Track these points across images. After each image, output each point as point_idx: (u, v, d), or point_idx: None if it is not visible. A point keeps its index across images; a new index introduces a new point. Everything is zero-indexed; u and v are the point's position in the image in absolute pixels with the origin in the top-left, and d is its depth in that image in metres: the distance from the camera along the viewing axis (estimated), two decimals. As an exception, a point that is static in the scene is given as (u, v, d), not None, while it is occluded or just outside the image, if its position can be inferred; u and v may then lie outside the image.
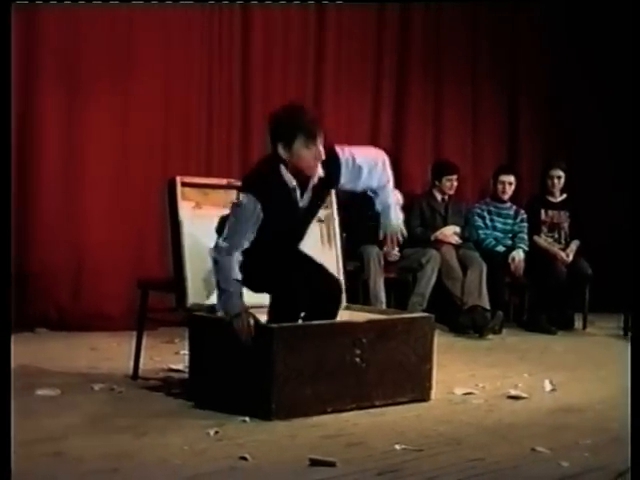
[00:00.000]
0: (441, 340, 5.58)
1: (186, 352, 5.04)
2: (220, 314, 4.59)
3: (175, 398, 4.77)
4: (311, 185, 4.61)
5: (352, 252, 7.13)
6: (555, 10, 9.62)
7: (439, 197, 8.36)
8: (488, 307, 7.70)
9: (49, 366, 5.53)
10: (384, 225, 5.01)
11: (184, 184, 5.05)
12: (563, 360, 6.50)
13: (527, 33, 9.58)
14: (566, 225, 8.52)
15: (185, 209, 5.03)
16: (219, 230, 4.65)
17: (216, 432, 4.07)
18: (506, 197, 8.45)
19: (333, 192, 5.48)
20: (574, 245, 8.37)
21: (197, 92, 7.56)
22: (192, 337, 4.75)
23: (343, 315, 5.20)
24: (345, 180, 4.74)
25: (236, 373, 4.48)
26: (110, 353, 5.99)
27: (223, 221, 4.65)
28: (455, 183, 8.34)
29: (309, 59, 8.21)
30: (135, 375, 5.27)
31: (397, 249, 7.80)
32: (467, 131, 9.27)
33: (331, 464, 3.62)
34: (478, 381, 5.49)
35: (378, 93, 8.66)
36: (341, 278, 5.40)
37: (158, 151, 7.29)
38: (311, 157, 4.49)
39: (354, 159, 4.72)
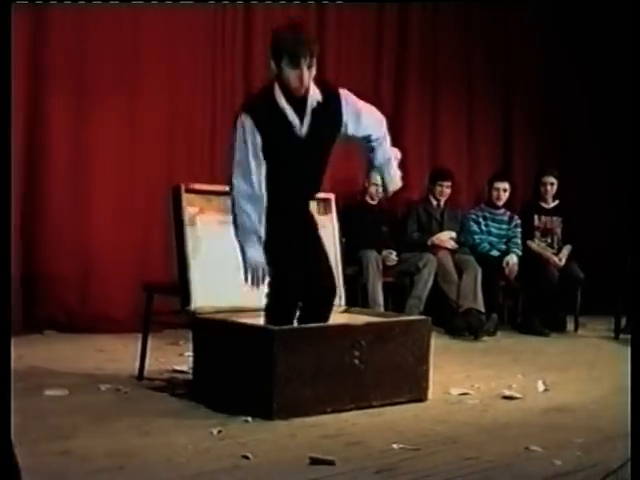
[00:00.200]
0: (437, 342, 5.57)
1: (190, 354, 5.04)
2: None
3: (179, 398, 4.77)
4: (309, 109, 4.49)
5: (351, 257, 7.13)
6: (548, 18, 9.63)
7: (435, 203, 8.37)
8: (483, 310, 7.70)
9: (57, 367, 5.53)
10: (387, 181, 4.92)
11: (188, 190, 5.05)
12: (556, 361, 6.50)
13: (520, 44, 9.59)
14: (558, 230, 8.53)
15: (189, 215, 5.03)
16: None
17: (219, 431, 4.07)
18: (500, 203, 8.45)
19: (333, 200, 5.50)
20: (566, 250, 8.38)
21: (201, 92, 7.54)
22: (196, 339, 4.75)
23: (342, 318, 5.21)
24: (346, 117, 4.62)
25: (238, 374, 4.48)
26: (116, 355, 5.99)
27: None
28: (447, 190, 8.34)
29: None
30: (140, 376, 5.27)
31: (394, 254, 7.84)
32: (463, 140, 9.28)
33: (330, 463, 3.62)
34: (473, 382, 5.48)
35: (376, 97, 8.63)
36: (340, 282, 5.41)
37: (163, 157, 7.28)
38: (295, 77, 4.39)
39: (355, 101, 4.67)
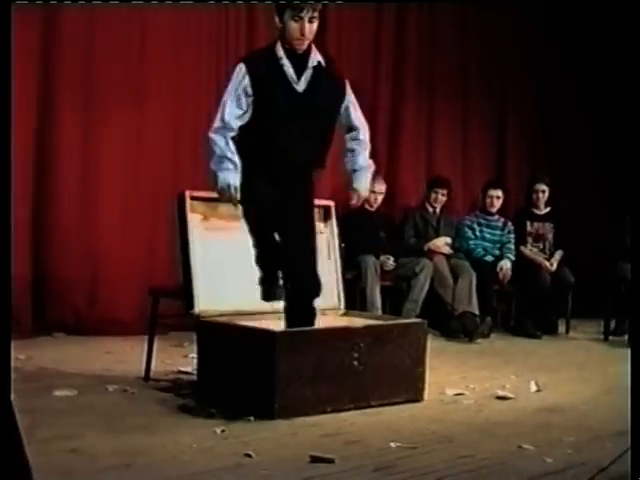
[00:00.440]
0: (433, 344, 5.58)
1: (194, 355, 5.04)
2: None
3: (184, 398, 4.76)
4: (310, 65, 4.46)
5: (350, 262, 7.12)
6: (542, 26, 9.63)
7: (431, 209, 8.38)
8: (477, 313, 7.70)
9: (66, 368, 5.52)
10: (360, 187, 4.83)
11: (193, 198, 5.05)
12: (548, 363, 6.49)
13: (514, 52, 9.58)
14: (550, 236, 8.53)
15: (194, 221, 5.02)
16: None
17: (222, 431, 4.07)
18: (494, 210, 8.47)
19: (333, 207, 5.50)
20: (558, 255, 8.38)
21: (206, 94, 7.48)
22: (200, 341, 4.76)
23: (342, 321, 5.22)
24: (347, 102, 4.63)
25: (241, 375, 4.48)
26: (123, 356, 5.99)
27: None
28: (442, 197, 8.34)
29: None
30: (147, 377, 5.27)
31: (392, 259, 7.84)
32: (458, 148, 9.28)
33: (330, 461, 3.62)
34: (468, 382, 5.48)
35: (374, 105, 8.66)
36: (340, 286, 5.42)
37: (169, 164, 7.27)
38: (297, 29, 4.36)
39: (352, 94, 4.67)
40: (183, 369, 5.52)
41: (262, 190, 4.45)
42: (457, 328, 7.61)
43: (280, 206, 4.52)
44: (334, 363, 4.54)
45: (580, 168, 9.67)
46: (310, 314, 4.68)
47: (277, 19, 4.43)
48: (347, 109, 4.67)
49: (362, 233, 7.69)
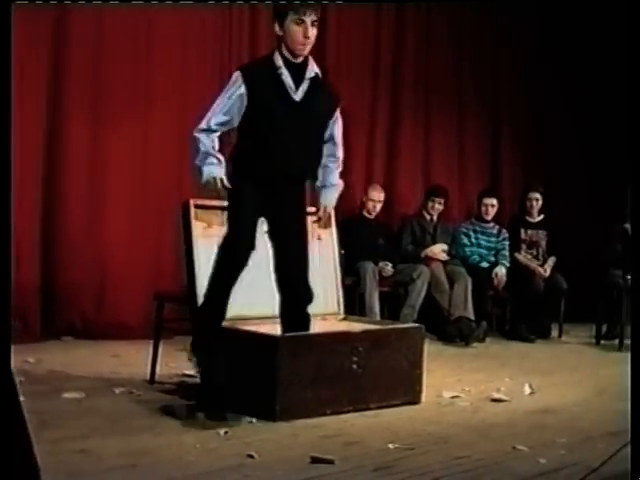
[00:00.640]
0: (430, 348, 5.57)
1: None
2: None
3: (188, 401, 4.76)
4: (307, 76, 4.42)
5: (349, 268, 7.11)
6: (535, 37, 9.63)
7: (428, 217, 8.38)
8: (473, 318, 7.69)
9: (74, 371, 5.52)
10: (329, 202, 4.76)
11: (197, 206, 5.05)
12: (541, 366, 6.49)
13: (507, 64, 9.58)
14: (543, 243, 8.53)
15: (198, 229, 5.02)
16: None
17: (225, 432, 4.07)
18: (489, 218, 8.47)
19: (332, 215, 5.50)
20: (551, 261, 8.38)
21: (211, 96, 7.48)
22: (204, 345, 4.75)
23: (341, 325, 5.21)
24: (336, 116, 4.60)
25: (243, 378, 4.48)
26: (130, 359, 5.98)
27: None
28: (439, 205, 8.34)
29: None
30: (152, 380, 5.26)
31: (390, 265, 7.84)
32: (454, 158, 9.28)
33: (330, 461, 3.62)
34: (464, 385, 5.48)
35: (372, 117, 8.67)
36: (340, 292, 5.41)
37: (174, 173, 7.23)
38: (300, 33, 4.31)
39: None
40: (187, 372, 5.51)
41: (251, 197, 4.40)
42: (453, 332, 7.60)
43: (273, 214, 4.50)
44: (334, 366, 4.54)
45: (573, 177, 9.67)
46: (305, 320, 4.63)
47: (277, 26, 4.38)
48: (333, 124, 4.63)
49: (361, 240, 7.69)
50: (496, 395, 5.19)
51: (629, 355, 6.93)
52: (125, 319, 6.94)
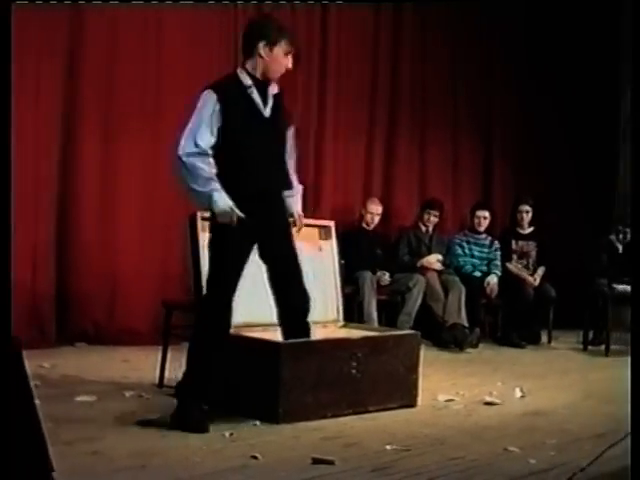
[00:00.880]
0: (426, 354, 5.56)
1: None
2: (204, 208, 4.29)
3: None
4: (270, 94, 4.36)
5: (349, 277, 7.11)
6: (528, 57, 9.64)
7: (424, 229, 8.38)
8: (467, 325, 7.68)
9: (87, 376, 5.51)
10: (298, 211, 4.63)
11: (204, 218, 5.04)
12: (531, 370, 6.48)
13: (501, 85, 9.59)
14: (533, 254, 8.53)
15: (204, 240, 5.02)
16: None
17: (231, 434, 4.06)
18: (482, 229, 8.46)
19: (333, 227, 5.51)
20: (540, 271, 8.38)
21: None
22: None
23: (341, 332, 5.21)
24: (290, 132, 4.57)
25: (248, 382, 4.47)
26: (139, 364, 5.97)
27: None
28: (434, 218, 8.34)
29: (313, 90, 8.20)
30: (161, 384, 5.26)
31: (388, 274, 7.84)
32: (448, 173, 9.28)
33: (330, 462, 3.61)
34: (458, 389, 5.47)
35: (370, 135, 8.68)
36: (340, 300, 5.41)
37: (181, 189, 7.24)
38: (285, 63, 4.32)
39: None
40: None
41: (239, 225, 4.25)
42: (448, 339, 7.59)
43: (262, 234, 4.39)
44: (334, 371, 4.54)
45: (562, 192, 9.67)
46: (306, 329, 4.56)
47: (262, 47, 4.29)
48: (290, 136, 4.60)
49: (360, 251, 7.69)
50: (489, 398, 5.18)
51: (615, 360, 6.98)
52: (135, 326, 6.93)
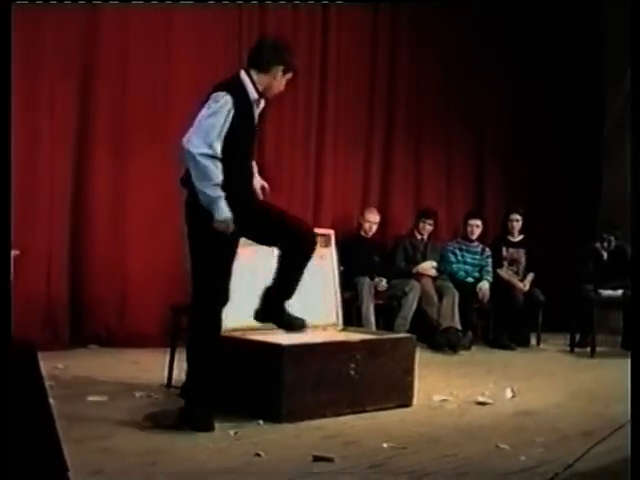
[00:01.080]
0: (421, 356, 5.55)
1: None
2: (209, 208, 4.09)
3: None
4: (261, 107, 4.34)
5: (348, 283, 7.10)
6: (512, 70, 9.63)
7: (419, 237, 8.38)
8: (460, 328, 7.66)
9: (99, 376, 5.51)
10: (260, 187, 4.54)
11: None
12: (522, 372, 6.47)
13: (492, 100, 9.56)
14: (523, 260, 8.53)
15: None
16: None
17: (235, 433, 4.06)
18: (474, 237, 8.45)
19: (332, 235, 5.51)
20: (530, 277, 8.37)
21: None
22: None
23: (340, 335, 5.20)
24: None
25: (252, 384, 4.47)
26: (148, 366, 5.96)
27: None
28: (428, 226, 8.32)
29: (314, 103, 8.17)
30: (169, 384, 5.25)
31: (385, 280, 7.83)
32: (442, 184, 9.26)
33: (330, 460, 3.61)
34: (452, 390, 5.46)
35: (367, 147, 8.68)
36: (339, 304, 5.41)
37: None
38: (281, 85, 4.33)
39: None
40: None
41: (228, 237, 4.18)
42: (442, 341, 7.57)
43: (245, 229, 4.27)
44: (333, 373, 4.54)
45: (550, 202, 9.66)
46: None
47: (279, 74, 4.28)
48: None
49: (358, 258, 7.68)
50: (481, 398, 5.18)
51: (601, 361, 6.98)
52: (144, 329, 6.92)
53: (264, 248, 4.52)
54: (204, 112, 4.11)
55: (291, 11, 7.88)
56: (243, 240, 4.49)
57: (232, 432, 4.06)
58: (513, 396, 5.34)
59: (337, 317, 5.38)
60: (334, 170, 8.32)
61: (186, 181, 4.21)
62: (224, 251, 4.25)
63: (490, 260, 8.40)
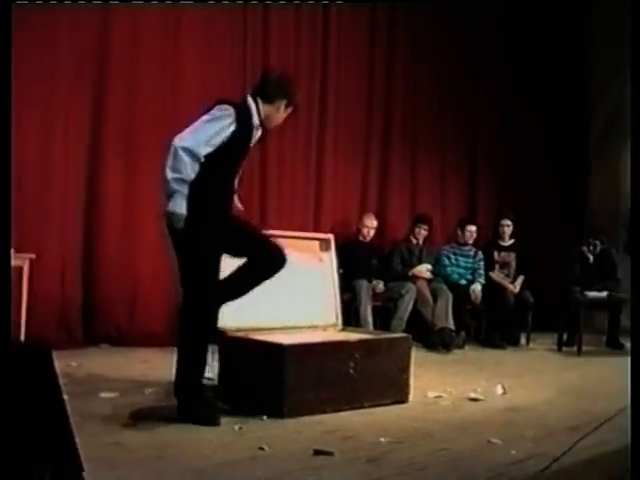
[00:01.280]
0: (417, 355, 5.54)
1: (217, 364, 5.02)
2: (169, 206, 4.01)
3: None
4: (258, 134, 4.33)
5: (346, 285, 7.11)
6: (507, 81, 9.64)
7: (415, 241, 8.38)
8: (454, 328, 7.67)
9: (110, 374, 5.50)
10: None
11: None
12: (512, 370, 6.46)
13: (484, 109, 9.57)
14: (514, 264, 8.54)
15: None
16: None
17: (240, 428, 4.06)
18: (471, 242, 8.48)
19: (332, 239, 5.51)
20: (520, 280, 8.38)
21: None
22: (222, 352, 4.74)
23: (339, 335, 5.20)
24: None
25: (256, 381, 4.47)
26: (158, 364, 5.95)
27: None
28: (424, 231, 8.34)
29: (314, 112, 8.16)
30: (177, 382, 5.24)
31: (382, 283, 7.84)
32: (437, 191, 9.28)
33: (330, 453, 3.61)
34: (446, 387, 5.46)
35: (367, 159, 8.68)
36: (339, 305, 5.41)
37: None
38: (282, 117, 4.36)
39: None
40: (206, 375, 5.48)
41: (217, 235, 4.17)
42: (436, 341, 7.58)
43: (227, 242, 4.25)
44: (333, 371, 4.53)
45: (539, 208, 9.68)
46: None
47: (282, 107, 4.31)
48: None
49: (357, 261, 7.69)
50: (473, 395, 5.17)
51: (587, 360, 6.97)
52: (154, 329, 6.92)
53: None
54: (204, 117, 4.11)
55: (293, 11, 7.88)
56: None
57: (237, 427, 4.06)
58: (504, 393, 5.33)
59: (336, 318, 5.38)
60: (334, 178, 8.33)
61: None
62: (214, 250, 4.22)
63: (482, 263, 8.41)
